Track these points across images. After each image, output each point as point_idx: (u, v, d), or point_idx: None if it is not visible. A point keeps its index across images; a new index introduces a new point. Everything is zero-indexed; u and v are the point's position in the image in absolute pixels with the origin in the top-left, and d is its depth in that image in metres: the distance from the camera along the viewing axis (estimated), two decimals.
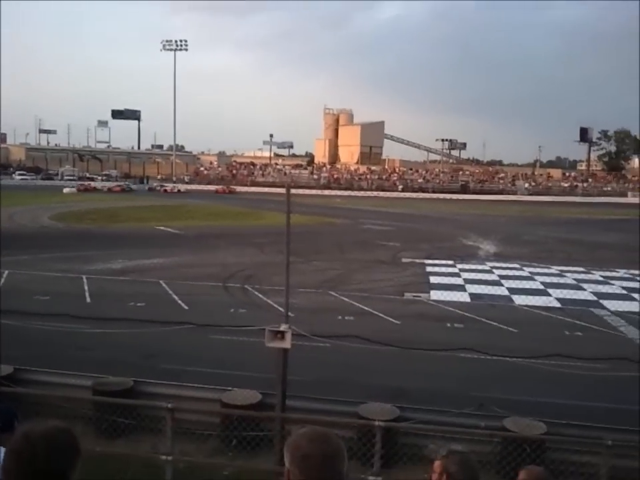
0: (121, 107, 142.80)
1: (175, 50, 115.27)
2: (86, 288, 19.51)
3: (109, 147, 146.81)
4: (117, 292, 19.05)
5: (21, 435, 1.80)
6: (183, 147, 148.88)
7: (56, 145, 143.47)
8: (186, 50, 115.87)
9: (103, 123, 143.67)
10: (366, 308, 17.52)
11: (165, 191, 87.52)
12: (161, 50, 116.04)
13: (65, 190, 76.46)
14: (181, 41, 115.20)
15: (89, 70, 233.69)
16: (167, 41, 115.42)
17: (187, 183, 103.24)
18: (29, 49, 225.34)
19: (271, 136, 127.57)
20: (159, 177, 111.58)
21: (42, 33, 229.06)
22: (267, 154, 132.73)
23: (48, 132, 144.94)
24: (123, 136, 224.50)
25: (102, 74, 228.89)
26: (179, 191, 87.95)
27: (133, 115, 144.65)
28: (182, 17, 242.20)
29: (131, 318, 12.96)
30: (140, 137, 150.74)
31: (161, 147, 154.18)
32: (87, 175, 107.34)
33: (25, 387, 9.13)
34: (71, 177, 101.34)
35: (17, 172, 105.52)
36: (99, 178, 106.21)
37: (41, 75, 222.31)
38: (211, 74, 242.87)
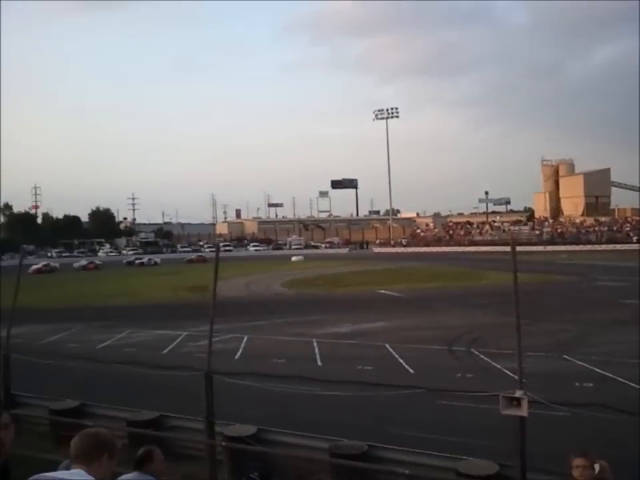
0: (339, 177, 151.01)
1: (387, 118, 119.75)
2: (316, 351, 20.41)
3: (330, 215, 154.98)
4: (345, 355, 19.64)
5: None
6: (398, 210, 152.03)
7: (283, 217, 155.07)
8: (397, 117, 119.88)
9: (323, 194, 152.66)
10: (607, 374, 16.01)
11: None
12: (373, 119, 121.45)
13: (293, 258, 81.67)
14: (392, 109, 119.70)
15: (308, 143, 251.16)
16: (378, 110, 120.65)
17: (404, 245, 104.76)
18: (258, 134, 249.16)
19: (486, 193, 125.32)
20: (377, 241, 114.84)
21: (266, 111, 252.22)
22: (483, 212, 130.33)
23: (276, 205, 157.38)
24: (342, 204, 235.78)
25: (320, 146, 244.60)
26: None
27: (351, 183, 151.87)
28: (392, 85, 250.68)
29: (360, 381, 13.19)
30: (358, 204, 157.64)
31: (378, 212, 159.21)
32: (312, 243, 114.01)
33: (267, 447, 9.66)
34: (298, 246, 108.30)
35: (251, 243, 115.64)
36: (323, 245, 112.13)
37: (268, 153, 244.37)
38: (423, 136, 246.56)
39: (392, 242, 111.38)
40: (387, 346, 20.58)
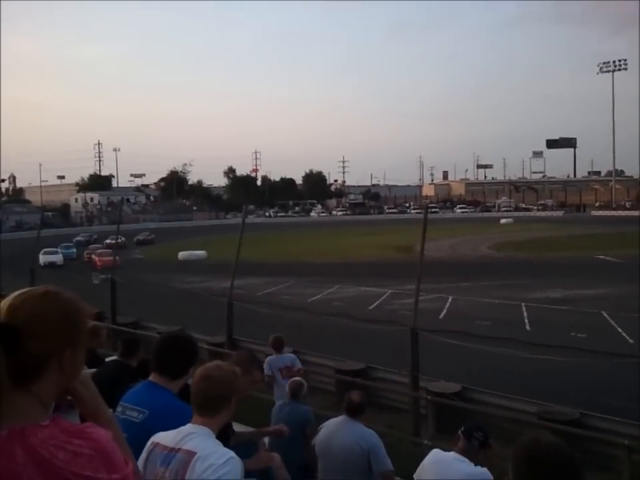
0: (555, 136, 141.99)
1: (613, 71, 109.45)
2: (525, 315, 19.63)
3: (544, 176, 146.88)
4: (557, 321, 18.66)
5: (532, 439, 1.86)
6: (622, 171, 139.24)
7: (492, 178, 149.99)
8: (625, 69, 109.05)
9: (537, 154, 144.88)
10: None
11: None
12: (597, 73, 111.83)
13: (502, 221, 78.83)
14: (619, 60, 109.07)
15: (523, 101, 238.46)
16: (603, 63, 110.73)
17: (628, 209, 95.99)
18: (468, 93, 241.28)
19: None
20: (596, 204, 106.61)
21: (479, 69, 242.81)
22: None
23: (485, 167, 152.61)
24: (558, 165, 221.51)
25: (536, 104, 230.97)
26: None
27: (568, 143, 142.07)
28: (621, 36, 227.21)
29: (574, 347, 12.44)
30: (575, 165, 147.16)
31: (598, 173, 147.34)
32: (523, 206, 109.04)
33: (470, 405, 9.55)
34: (507, 208, 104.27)
35: (458, 205, 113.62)
36: (535, 208, 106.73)
37: (479, 113, 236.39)
38: None
39: (614, 204, 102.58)
40: (604, 314, 19.16)
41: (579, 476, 1.79)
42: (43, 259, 37.77)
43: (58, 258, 41.31)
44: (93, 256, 40.58)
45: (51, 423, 1.30)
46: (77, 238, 56.82)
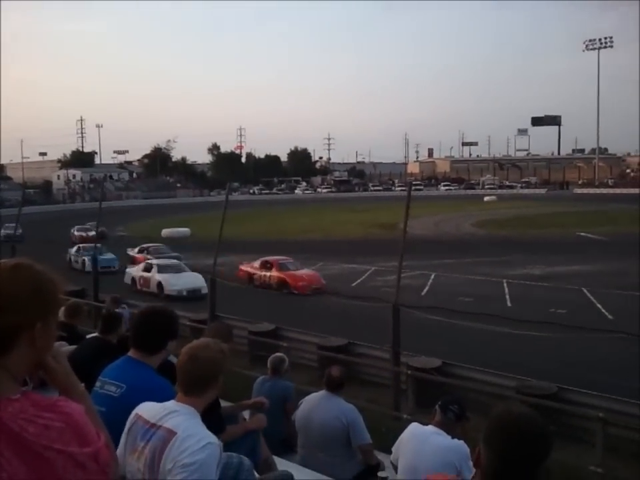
0: (540, 114, 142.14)
1: (599, 49, 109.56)
2: (506, 292, 19.82)
3: (528, 154, 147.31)
4: (538, 297, 18.86)
5: (503, 410, 1.85)
6: (606, 149, 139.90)
7: (477, 156, 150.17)
8: (611, 47, 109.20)
9: (522, 131, 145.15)
10: None
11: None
12: (583, 50, 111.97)
13: (486, 198, 79.07)
14: (605, 38, 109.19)
15: (508, 78, 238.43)
16: (589, 41, 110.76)
17: (610, 186, 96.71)
18: (453, 71, 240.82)
19: None
20: (579, 181, 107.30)
21: (465, 47, 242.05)
22: None
23: (470, 144, 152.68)
24: (542, 142, 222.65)
25: (521, 81, 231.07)
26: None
27: (553, 120, 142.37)
28: (612, 13, 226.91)
29: (553, 322, 12.59)
30: (560, 143, 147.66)
31: (582, 151, 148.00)
32: (507, 183, 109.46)
33: (451, 379, 9.66)
34: (491, 186, 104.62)
35: (442, 183, 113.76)
36: (518, 186, 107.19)
37: (464, 91, 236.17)
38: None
39: (596, 182, 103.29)
40: (584, 290, 19.39)
41: (548, 445, 1.80)
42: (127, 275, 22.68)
43: None
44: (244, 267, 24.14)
45: (22, 397, 1.30)
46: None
